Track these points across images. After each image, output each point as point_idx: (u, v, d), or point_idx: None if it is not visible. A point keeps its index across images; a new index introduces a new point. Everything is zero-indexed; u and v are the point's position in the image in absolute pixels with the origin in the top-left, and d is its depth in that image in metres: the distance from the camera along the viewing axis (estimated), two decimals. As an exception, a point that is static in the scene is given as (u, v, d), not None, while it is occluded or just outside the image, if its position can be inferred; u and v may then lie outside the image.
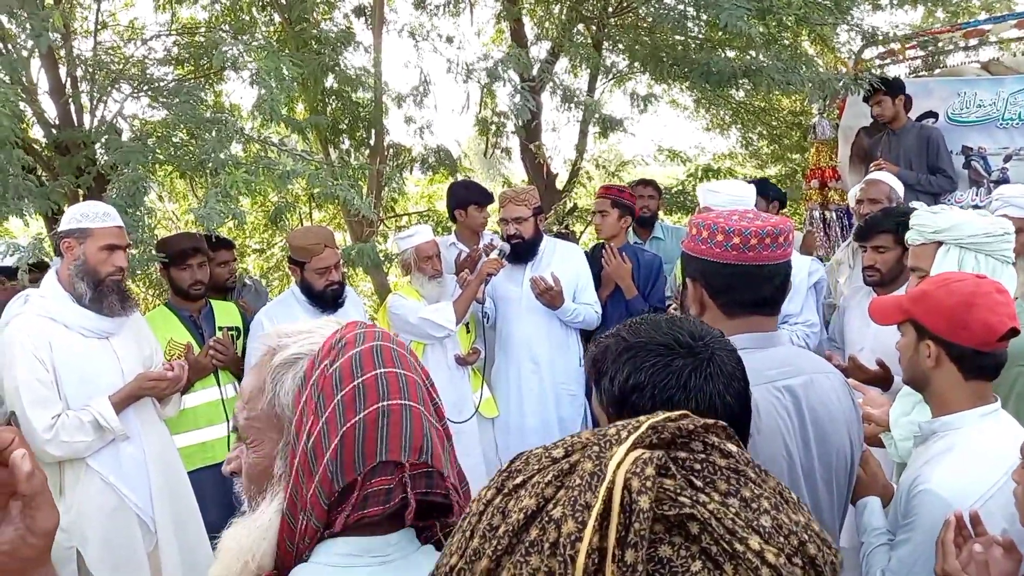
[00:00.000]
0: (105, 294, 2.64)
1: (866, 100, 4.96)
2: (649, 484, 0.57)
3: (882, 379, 2.65)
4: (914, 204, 2.54)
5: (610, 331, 1.18)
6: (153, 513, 2.73)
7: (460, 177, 5.45)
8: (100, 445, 2.61)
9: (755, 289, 1.46)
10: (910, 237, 2.28)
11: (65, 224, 2.66)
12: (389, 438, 0.95)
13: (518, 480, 0.64)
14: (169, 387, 2.75)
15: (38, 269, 3.26)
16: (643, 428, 0.63)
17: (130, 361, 2.76)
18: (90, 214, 2.65)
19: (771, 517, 0.61)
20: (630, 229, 4.66)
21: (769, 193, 4.79)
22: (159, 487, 2.76)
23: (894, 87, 4.87)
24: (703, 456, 0.63)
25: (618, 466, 0.59)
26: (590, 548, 0.56)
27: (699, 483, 0.61)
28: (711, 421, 0.66)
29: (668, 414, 0.66)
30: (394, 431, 0.95)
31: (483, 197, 4.09)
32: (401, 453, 0.95)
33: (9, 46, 3.70)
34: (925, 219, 2.23)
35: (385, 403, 0.96)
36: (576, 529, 0.57)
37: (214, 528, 2.99)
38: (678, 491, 0.59)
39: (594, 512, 0.56)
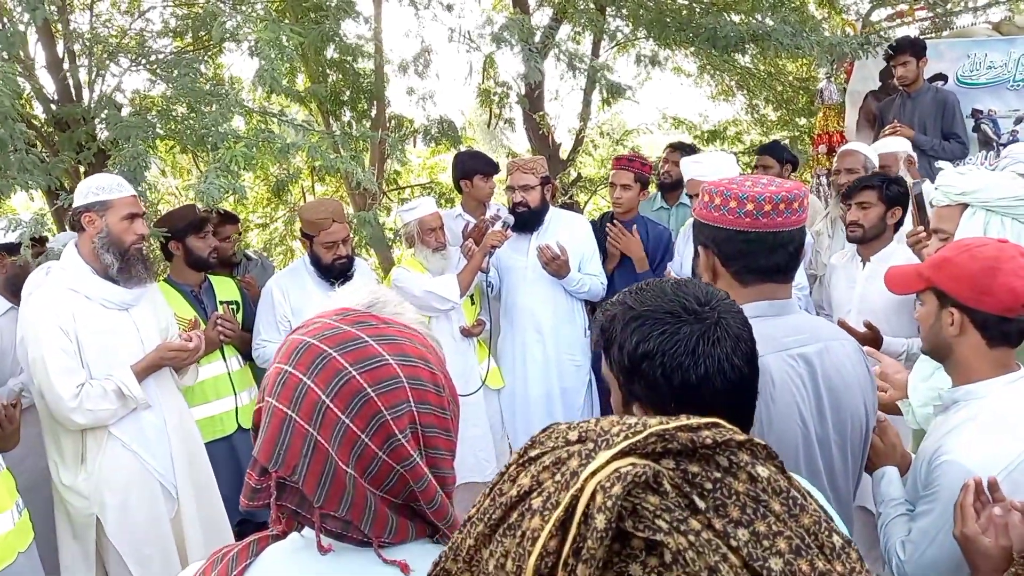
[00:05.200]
0: (132, 263, 2.70)
1: (887, 60, 4.84)
2: (610, 504, 0.53)
3: (871, 340, 2.65)
4: (940, 165, 2.48)
5: (616, 298, 1.18)
6: (175, 480, 2.80)
7: (463, 148, 5.39)
8: (123, 413, 2.68)
9: (769, 256, 1.43)
10: (935, 198, 2.22)
11: (82, 199, 2.68)
12: (265, 439, 0.87)
13: (534, 453, 0.62)
14: (189, 357, 2.83)
15: (39, 244, 3.25)
16: (644, 435, 0.57)
17: (149, 332, 2.82)
18: (105, 186, 2.69)
19: (784, 561, 0.55)
20: (658, 195, 4.64)
21: (783, 156, 4.66)
22: (179, 454, 2.83)
23: (918, 48, 4.71)
24: (719, 475, 0.57)
25: (592, 474, 0.55)
26: (544, 550, 0.54)
27: (702, 505, 0.55)
28: (745, 437, 0.59)
29: (690, 421, 0.59)
30: (271, 434, 0.86)
31: (489, 167, 4.04)
32: (271, 461, 0.86)
33: (6, 20, 3.65)
34: (952, 179, 2.15)
35: (272, 402, 0.87)
36: (538, 526, 0.55)
37: (227, 500, 3.03)
38: (658, 512, 0.54)
39: (554, 516, 0.54)
